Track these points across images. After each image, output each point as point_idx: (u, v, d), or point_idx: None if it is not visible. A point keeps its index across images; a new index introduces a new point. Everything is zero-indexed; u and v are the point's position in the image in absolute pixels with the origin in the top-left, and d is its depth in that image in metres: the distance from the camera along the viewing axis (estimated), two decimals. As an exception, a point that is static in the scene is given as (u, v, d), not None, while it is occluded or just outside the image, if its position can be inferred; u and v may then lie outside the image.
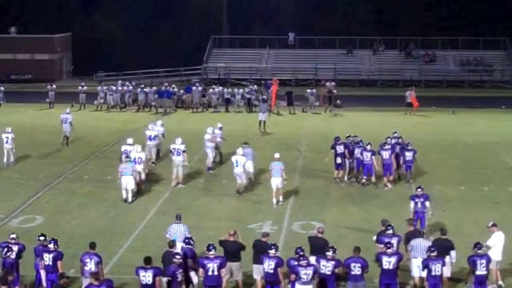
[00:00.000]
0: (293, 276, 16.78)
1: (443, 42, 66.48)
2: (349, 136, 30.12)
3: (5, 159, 31.46)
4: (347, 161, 29.23)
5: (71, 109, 48.66)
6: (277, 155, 27.03)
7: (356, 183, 28.95)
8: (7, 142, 31.45)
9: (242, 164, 27.24)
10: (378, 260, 17.45)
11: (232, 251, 18.08)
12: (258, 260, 17.93)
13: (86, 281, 16.95)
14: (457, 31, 67.78)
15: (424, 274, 17.69)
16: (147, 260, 16.82)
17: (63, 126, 35.76)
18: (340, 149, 29.02)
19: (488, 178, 30.45)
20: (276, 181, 26.35)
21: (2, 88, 50.10)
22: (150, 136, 31.72)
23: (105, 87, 49.85)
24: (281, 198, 26.61)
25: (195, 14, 71.47)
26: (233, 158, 27.51)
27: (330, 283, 17.06)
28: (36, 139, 36.56)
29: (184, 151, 28.42)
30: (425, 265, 17.27)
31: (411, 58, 66.48)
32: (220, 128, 32.49)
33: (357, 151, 28.85)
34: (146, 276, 16.58)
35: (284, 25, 69.72)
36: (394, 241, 18.28)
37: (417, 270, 18.15)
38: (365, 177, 28.59)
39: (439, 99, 53.94)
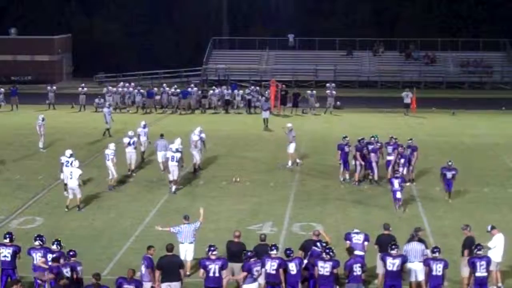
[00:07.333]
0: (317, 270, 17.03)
1: (443, 44, 66.50)
2: (346, 137, 29.90)
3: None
4: (357, 163, 29.23)
5: (71, 109, 49.08)
6: (289, 125, 32.38)
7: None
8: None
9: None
10: (383, 261, 17.44)
11: (235, 252, 18.11)
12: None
13: None
14: (457, 33, 67.91)
15: (420, 278, 17.68)
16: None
17: (106, 118, 39.22)
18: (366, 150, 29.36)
19: (488, 180, 30.43)
20: (291, 146, 31.69)
21: (2, 89, 49.93)
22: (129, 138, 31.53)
23: (120, 88, 49.98)
24: (290, 163, 31.59)
25: (195, 15, 71.50)
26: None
27: (328, 284, 17.03)
28: (36, 140, 36.43)
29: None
30: (427, 265, 17.24)
31: (411, 60, 66.50)
32: (144, 126, 32.50)
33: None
34: None
35: (284, 26, 69.75)
36: (360, 236, 18.81)
37: (412, 275, 18.03)
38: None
39: (439, 100, 53.94)
